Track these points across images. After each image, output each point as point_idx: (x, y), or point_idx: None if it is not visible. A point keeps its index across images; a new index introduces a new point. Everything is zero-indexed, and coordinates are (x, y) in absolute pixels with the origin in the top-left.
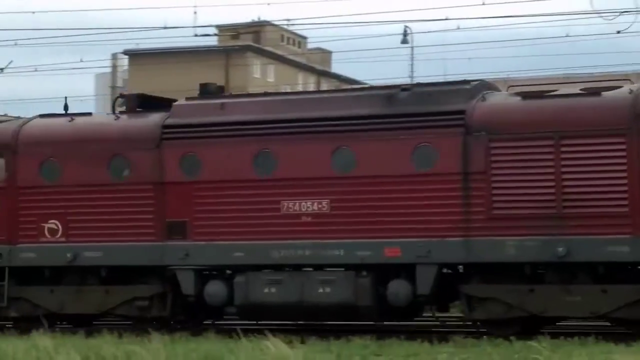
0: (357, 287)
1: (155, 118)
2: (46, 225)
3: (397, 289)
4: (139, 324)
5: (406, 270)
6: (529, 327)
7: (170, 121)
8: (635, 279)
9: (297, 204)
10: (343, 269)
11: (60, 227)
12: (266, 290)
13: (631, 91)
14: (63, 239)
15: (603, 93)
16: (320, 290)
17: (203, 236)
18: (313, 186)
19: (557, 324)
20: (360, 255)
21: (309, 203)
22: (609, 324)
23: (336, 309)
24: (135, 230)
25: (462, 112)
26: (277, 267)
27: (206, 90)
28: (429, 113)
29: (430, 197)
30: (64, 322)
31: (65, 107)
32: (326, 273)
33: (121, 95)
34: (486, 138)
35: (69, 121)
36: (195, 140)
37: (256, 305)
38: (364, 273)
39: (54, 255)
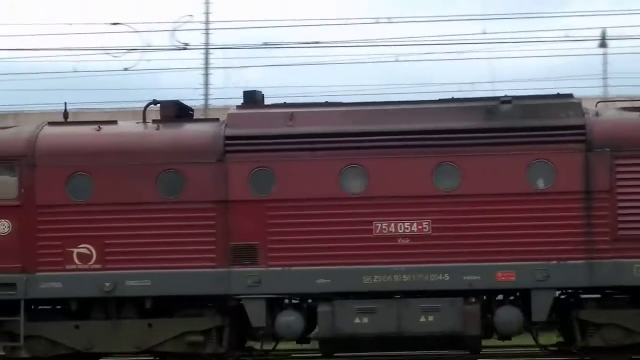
0: (465, 315)
1: (208, 128)
2: (75, 250)
3: (509, 316)
4: None
5: (515, 296)
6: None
7: (233, 132)
8: None
9: (393, 224)
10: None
11: (94, 252)
12: (357, 320)
13: None
14: (98, 266)
15: None
16: (423, 319)
17: (278, 261)
18: (412, 205)
19: None
20: (469, 280)
21: (407, 224)
22: None
23: (441, 339)
24: (192, 255)
25: (582, 127)
26: (368, 295)
27: (252, 98)
28: (545, 127)
29: (549, 217)
30: None
31: (65, 115)
32: (430, 300)
33: (154, 102)
34: (609, 155)
35: (97, 130)
36: (268, 154)
37: (344, 337)
38: (472, 300)
39: (87, 285)
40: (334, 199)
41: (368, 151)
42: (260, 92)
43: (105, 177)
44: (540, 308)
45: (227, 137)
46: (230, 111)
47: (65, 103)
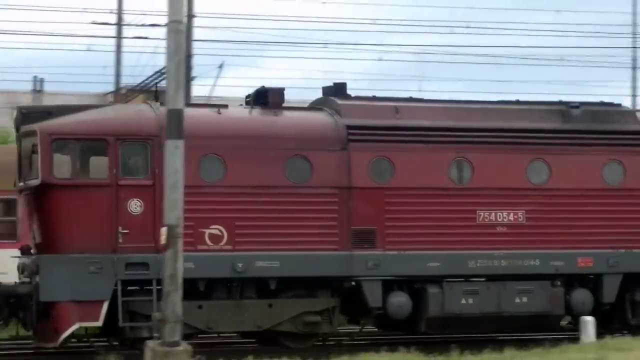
0: (552, 297)
1: (326, 116)
2: (207, 231)
3: (584, 298)
4: (300, 341)
5: (588, 280)
6: None
7: (354, 122)
8: None
9: (493, 213)
10: (539, 280)
11: (225, 233)
12: (463, 301)
13: None
14: (229, 247)
15: None
16: (518, 300)
17: (395, 245)
18: (509, 197)
19: None
20: (555, 265)
21: (504, 213)
22: None
23: (533, 318)
24: (317, 239)
25: None
26: (471, 277)
27: (340, 90)
28: (619, 131)
29: (619, 210)
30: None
31: (156, 96)
32: (524, 283)
33: (263, 88)
34: None
35: (218, 113)
36: (387, 144)
37: (452, 317)
38: (558, 283)
39: (219, 265)
40: (444, 189)
41: (473, 146)
42: (345, 83)
43: (237, 161)
44: (610, 291)
45: (350, 127)
46: (340, 102)
47: (156, 86)
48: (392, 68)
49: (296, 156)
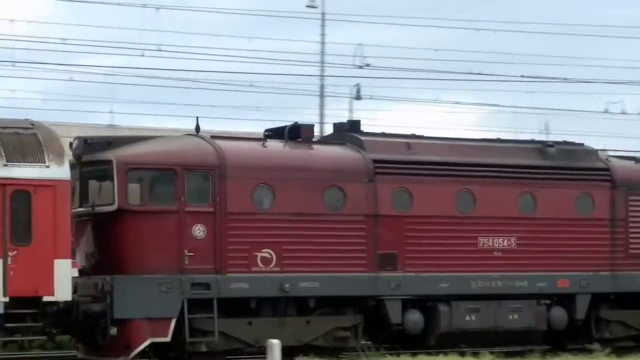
0: (537, 314)
1: (353, 151)
2: (259, 254)
3: (561, 315)
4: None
5: (562, 299)
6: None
7: (379, 156)
8: None
9: (491, 240)
10: (526, 300)
11: (274, 256)
12: (467, 318)
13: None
14: (277, 269)
15: None
16: (510, 317)
17: (413, 267)
18: (504, 225)
19: None
20: (540, 285)
21: (500, 239)
22: None
23: (521, 334)
24: (349, 262)
25: (607, 170)
26: (474, 297)
27: (354, 127)
28: (588, 168)
29: (589, 237)
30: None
31: (197, 128)
32: (515, 302)
33: (296, 124)
34: (625, 192)
35: (263, 145)
36: (406, 177)
37: (458, 332)
38: (542, 302)
39: (269, 286)
40: (451, 217)
41: (475, 179)
42: (359, 120)
43: (284, 190)
44: (581, 309)
45: (375, 161)
46: (362, 138)
47: (197, 117)
48: (83, 89)
49: (332, 186)
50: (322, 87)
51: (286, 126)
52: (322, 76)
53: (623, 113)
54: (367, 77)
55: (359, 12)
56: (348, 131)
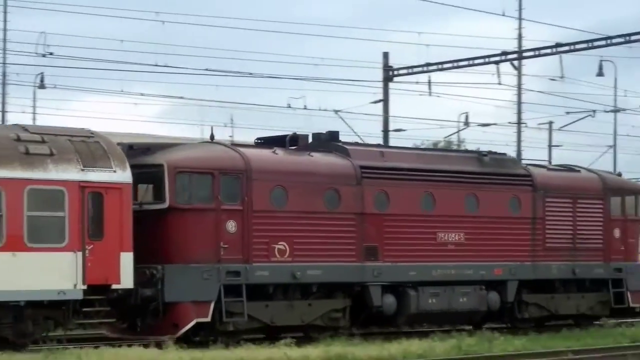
0: (479, 297)
1: (341, 158)
2: (276, 246)
3: (496, 298)
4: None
5: (496, 285)
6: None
7: (363, 163)
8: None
9: (446, 234)
10: (472, 285)
11: (287, 248)
12: (430, 301)
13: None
14: (290, 259)
15: (581, 172)
16: (461, 299)
17: (390, 258)
18: (455, 222)
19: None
20: (481, 273)
21: (453, 234)
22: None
23: (468, 314)
24: (343, 253)
25: (530, 176)
26: (434, 284)
27: (333, 137)
28: (515, 175)
29: (518, 234)
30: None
31: (212, 136)
32: (464, 287)
33: (295, 135)
34: (543, 195)
35: (275, 152)
36: (384, 181)
37: (424, 313)
38: (482, 287)
39: (283, 273)
40: (417, 216)
41: (434, 183)
42: (338, 131)
43: (294, 191)
44: (511, 293)
45: (362, 167)
46: (349, 147)
47: (212, 127)
48: None
49: (330, 189)
50: (4, 75)
51: (284, 135)
52: (4, 64)
53: (305, 108)
54: (51, 67)
55: (43, 0)
56: (328, 140)
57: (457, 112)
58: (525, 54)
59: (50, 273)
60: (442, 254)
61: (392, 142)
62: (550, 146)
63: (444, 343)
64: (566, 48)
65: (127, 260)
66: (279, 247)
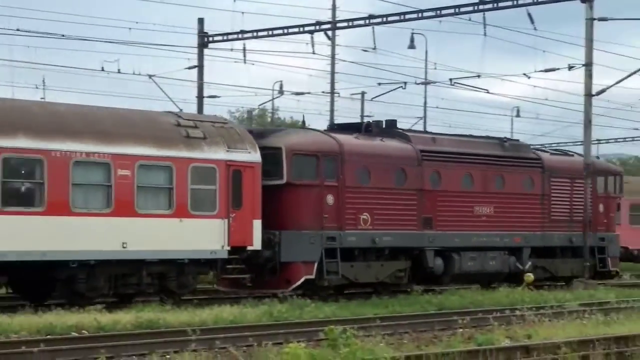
0: (503, 261)
1: (401, 144)
2: (361, 217)
3: (514, 261)
4: (388, 288)
5: (514, 251)
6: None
7: (422, 147)
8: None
9: (480, 208)
10: (498, 250)
11: (369, 218)
12: (469, 263)
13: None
14: (371, 227)
15: (574, 156)
16: (490, 263)
17: (441, 227)
18: (487, 197)
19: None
20: (505, 241)
21: (485, 208)
22: None
23: (495, 274)
24: (407, 223)
25: (539, 159)
26: (472, 249)
27: (394, 124)
28: (529, 158)
29: (532, 208)
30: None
31: (303, 123)
32: (493, 252)
33: (369, 122)
34: (549, 175)
35: (357, 138)
36: (437, 162)
37: (463, 274)
38: (506, 252)
39: (366, 239)
40: (460, 192)
41: (472, 165)
42: (396, 120)
43: (373, 170)
44: (525, 258)
45: (422, 151)
46: (409, 134)
47: (303, 115)
48: None
49: (399, 169)
50: None
51: (359, 123)
52: None
53: (119, 72)
54: None
55: None
56: (388, 128)
57: (272, 80)
58: (338, 25)
59: (205, 236)
60: (477, 224)
61: (206, 109)
62: (362, 116)
63: (255, 309)
64: (379, 20)
65: (257, 226)
66: (363, 217)
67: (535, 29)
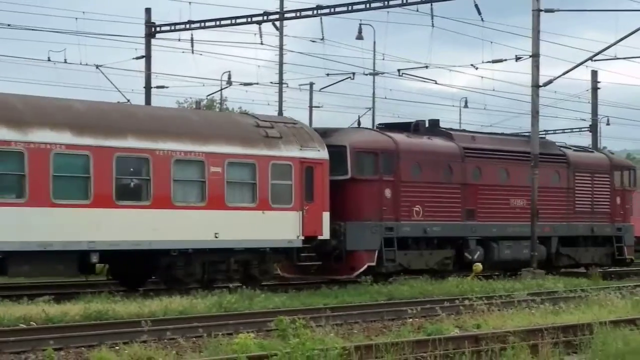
0: (540, 249)
1: (446, 142)
2: (414, 209)
3: (543, 250)
4: (435, 274)
5: (543, 240)
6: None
7: (465, 145)
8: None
9: (515, 200)
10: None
11: (421, 210)
12: (506, 251)
13: (605, 154)
14: (422, 219)
15: (594, 152)
16: (524, 251)
17: (481, 218)
18: (522, 191)
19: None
20: (537, 231)
21: (519, 200)
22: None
23: (527, 262)
24: (452, 214)
25: (565, 155)
26: (507, 238)
27: (437, 124)
28: (556, 154)
29: (558, 200)
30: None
31: (359, 122)
32: (526, 241)
33: (418, 122)
34: (573, 170)
35: (408, 136)
36: (478, 159)
37: (500, 261)
38: (537, 241)
39: (418, 229)
40: (498, 186)
41: (508, 161)
42: (438, 120)
43: (424, 166)
44: (553, 246)
45: (464, 148)
46: (452, 132)
47: (359, 116)
48: None
49: (445, 165)
50: None
51: (408, 122)
52: None
53: (65, 62)
54: None
55: None
56: (432, 127)
57: (220, 71)
58: (286, 15)
59: (283, 227)
60: (512, 215)
61: (154, 100)
62: (311, 107)
63: (205, 300)
64: (327, 11)
65: (326, 217)
66: (416, 209)
67: (482, 20)
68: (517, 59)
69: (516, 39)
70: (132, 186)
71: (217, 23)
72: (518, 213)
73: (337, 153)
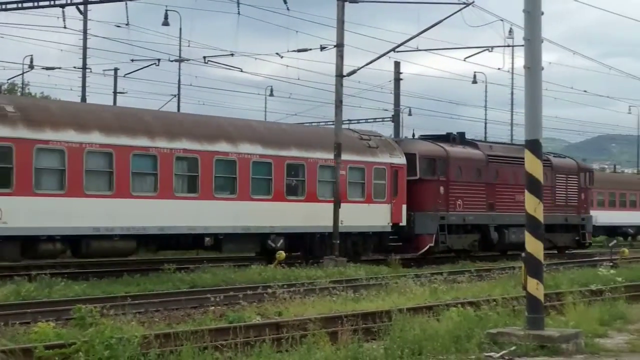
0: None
1: (475, 150)
2: (457, 202)
3: (557, 236)
4: (464, 255)
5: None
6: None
7: (489, 153)
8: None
9: (518, 196)
10: None
11: (461, 203)
12: (513, 236)
13: (574, 159)
14: (461, 210)
15: (566, 158)
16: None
17: (498, 210)
18: (522, 189)
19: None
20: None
21: (521, 196)
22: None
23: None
24: (480, 206)
25: (549, 161)
26: (515, 226)
27: (464, 136)
28: (547, 160)
29: (546, 196)
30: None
31: (413, 134)
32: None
33: (456, 134)
34: (554, 172)
35: (452, 146)
36: (496, 164)
37: (511, 244)
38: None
39: (460, 218)
40: (508, 185)
41: (514, 165)
42: (464, 132)
43: (464, 169)
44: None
45: (488, 155)
46: (477, 142)
47: (414, 130)
48: None
49: (476, 168)
50: None
51: (448, 134)
52: None
53: None
54: None
55: None
56: (460, 138)
57: (22, 55)
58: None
59: (380, 216)
60: (517, 207)
61: None
62: (115, 93)
63: (2, 289)
64: None
65: (404, 209)
66: (459, 202)
67: (288, 9)
68: (322, 48)
69: (322, 28)
70: (293, 185)
71: (19, 5)
72: (520, 206)
73: (409, 159)
